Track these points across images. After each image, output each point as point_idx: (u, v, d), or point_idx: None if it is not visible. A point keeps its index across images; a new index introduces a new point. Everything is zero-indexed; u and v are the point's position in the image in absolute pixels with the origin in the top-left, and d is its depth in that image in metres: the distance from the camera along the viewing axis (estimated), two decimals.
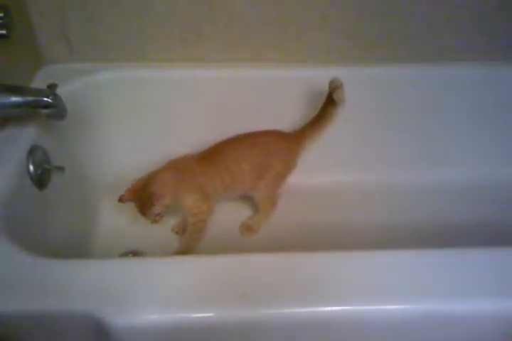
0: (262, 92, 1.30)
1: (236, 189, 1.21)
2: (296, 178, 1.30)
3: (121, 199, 1.10)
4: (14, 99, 0.94)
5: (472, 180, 1.42)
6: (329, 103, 1.20)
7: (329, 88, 1.17)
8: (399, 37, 1.29)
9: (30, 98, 0.95)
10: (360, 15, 1.25)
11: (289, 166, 1.25)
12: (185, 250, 1.18)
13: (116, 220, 1.28)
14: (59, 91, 0.99)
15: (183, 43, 1.28)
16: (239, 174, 1.18)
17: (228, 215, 1.29)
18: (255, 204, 1.28)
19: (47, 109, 0.96)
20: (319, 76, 1.28)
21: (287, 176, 1.26)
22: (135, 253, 1.20)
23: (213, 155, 1.17)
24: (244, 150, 1.19)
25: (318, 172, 1.41)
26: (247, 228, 1.28)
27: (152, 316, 0.72)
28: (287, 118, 1.31)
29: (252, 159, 1.19)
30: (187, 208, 1.18)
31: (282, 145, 1.23)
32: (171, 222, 1.28)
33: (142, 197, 1.08)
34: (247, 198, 1.29)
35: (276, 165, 1.22)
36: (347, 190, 1.39)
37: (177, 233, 1.25)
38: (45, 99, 0.95)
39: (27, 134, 1.02)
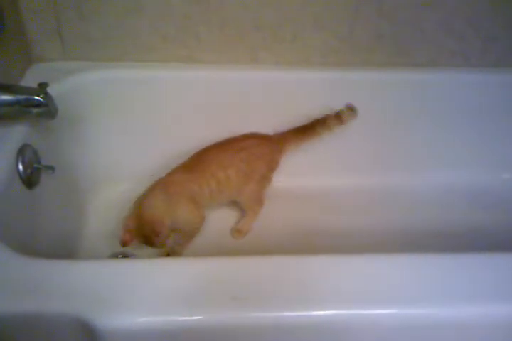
0: (255, 94, 1.30)
1: (224, 195, 1.21)
2: (289, 181, 1.31)
3: (125, 243, 1.06)
4: (5, 97, 0.93)
5: (464, 186, 1.43)
6: (324, 123, 1.24)
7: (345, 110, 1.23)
8: (392, 41, 1.30)
9: (21, 97, 0.94)
10: (354, 19, 1.26)
11: (272, 167, 1.26)
12: (172, 254, 1.18)
13: (105, 221, 1.27)
14: (49, 90, 0.98)
15: (176, 44, 1.27)
16: (226, 180, 1.17)
17: (218, 218, 1.29)
18: (241, 207, 1.28)
19: (38, 107, 0.95)
20: (314, 78, 1.29)
21: (271, 177, 1.26)
22: (125, 255, 1.19)
23: (198, 164, 1.16)
24: (230, 156, 1.18)
25: (310, 174, 1.42)
26: (237, 231, 1.28)
27: (140, 319, 0.72)
28: (281, 120, 1.30)
29: (239, 164, 1.19)
30: (184, 220, 1.16)
31: (265, 148, 1.24)
32: None
33: (143, 231, 1.06)
34: (232, 203, 1.28)
35: (261, 167, 1.22)
36: (340, 193, 1.40)
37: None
38: (36, 97, 0.94)
39: (17, 133, 1.01)
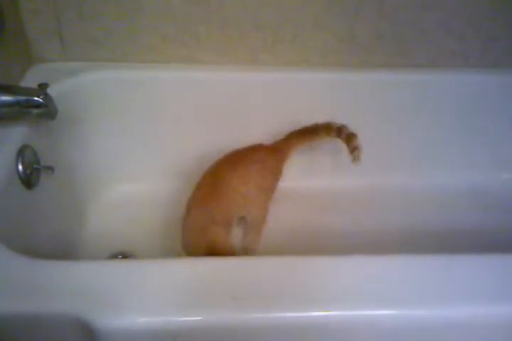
0: (255, 95, 1.30)
1: (246, 208, 1.18)
2: (289, 181, 1.30)
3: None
4: (5, 98, 0.93)
5: (463, 186, 1.43)
6: (329, 134, 1.22)
7: (348, 144, 1.19)
8: (392, 41, 1.30)
9: (21, 97, 0.94)
10: (354, 19, 1.26)
11: (278, 179, 1.25)
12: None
13: (105, 221, 1.27)
14: (49, 90, 0.98)
15: (176, 44, 1.27)
16: (247, 193, 1.15)
17: None
18: (247, 220, 1.24)
19: (37, 108, 0.95)
20: (314, 79, 1.29)
21: (276, 189, 1.25)
22: (124, 255, 1.19)
23: (219, 184, 1.12)
24: (247, 169, 1.16)
25: (310, 175, 1.42)
26: (248, 250, 1.22)
27: (140, 319, 0.72)
28: (281, 121, 1.31)
29: (256, 177, 1.17)
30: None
31: (273, 160, 1.23)
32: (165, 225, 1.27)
33: (207, 250, 1.03)
34: None
35: (271, 180, 1.22)
36: (340, 193, 1.40)
37: None
38: (36, 98, 0.94)
39: (17, 134, 1.01)
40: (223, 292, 0.74)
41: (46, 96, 0.96)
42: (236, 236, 1.23)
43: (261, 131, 1.30)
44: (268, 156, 1.22)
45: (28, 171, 0.99)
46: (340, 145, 1.22)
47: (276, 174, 1.24)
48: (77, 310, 0.71)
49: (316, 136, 1.25)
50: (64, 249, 1.14)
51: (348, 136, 1.20)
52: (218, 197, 1.11)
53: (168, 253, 1.19)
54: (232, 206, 1.13)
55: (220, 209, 1.10)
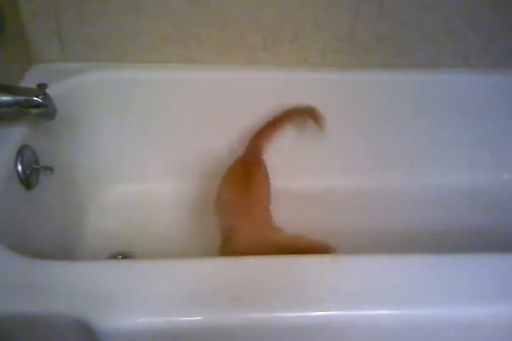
0: (255, 95, 1.30)
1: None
2: (289, 181, 1.30)
3: None
4: (4, 98, 0.93)
5: (463, 186, 1.43)
6: (302, 116, 1.24)
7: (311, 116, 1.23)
8: (392, 41, 1.30)
9: (20, 97, 0.94)
10: (354, 20, 1.26)
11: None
12: None
13: (105, 221, 1.27)
14: (49, 90, 0.98)
15: (176, 44, 1.27)
16: (261, 198, 1.14)
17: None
18: None
19: (37, 108, 0.95)
20: (314, 79, 1.29)
21: None
22: (124, 255, 1.19)
23: (247, 183, 1.11)
24: (262, 171, 1.17)
25: (310, 174, 1.42)
26: None
27: (140, 319, 0.72)
28: None
29: (267, 178, 1.18)
30: None
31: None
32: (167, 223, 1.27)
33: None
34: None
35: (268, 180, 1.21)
36: (340, 193, 1.40)
37: None
38: (35, 98, 0.94)
39: (16, 134, 1.01)
40: (223, 292, 0.74)
41: (45, 96, 0.96)
42: None
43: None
44: (261, 159, 1.22)
45: (28, 171, 0.99)
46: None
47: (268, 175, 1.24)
48: (77, 311, 0.71)
49: (281, 127, 1.26)
50: (64, 249, 1.14)
51: (309, 111, 1.23)
52: (258, 199, 1.10)
53: (167, 253, 1.19)
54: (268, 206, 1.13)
55: (265, 210, 1.10)
